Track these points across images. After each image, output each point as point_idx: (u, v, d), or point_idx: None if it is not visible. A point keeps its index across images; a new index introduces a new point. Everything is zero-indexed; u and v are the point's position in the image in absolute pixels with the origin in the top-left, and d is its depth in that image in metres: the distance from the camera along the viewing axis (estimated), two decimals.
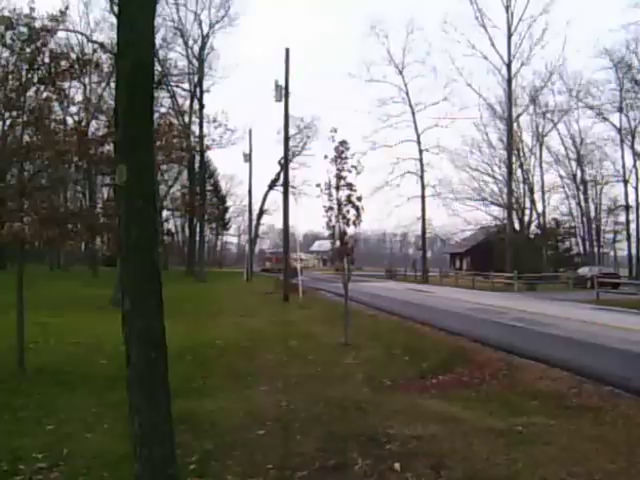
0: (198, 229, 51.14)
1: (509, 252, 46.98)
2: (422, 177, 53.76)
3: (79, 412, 7.39)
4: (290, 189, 60.56)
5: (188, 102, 45.40)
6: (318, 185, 13.56)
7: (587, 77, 69.85)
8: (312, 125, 60.87)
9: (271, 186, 65.03)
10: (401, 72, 53.39)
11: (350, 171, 13.37)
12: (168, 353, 11.72)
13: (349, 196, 13.35)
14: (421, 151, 53.52)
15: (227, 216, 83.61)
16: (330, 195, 13.43)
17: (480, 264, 52.51)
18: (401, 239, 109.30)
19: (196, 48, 47.42)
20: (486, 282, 41.96)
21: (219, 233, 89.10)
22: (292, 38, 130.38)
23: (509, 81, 47.74)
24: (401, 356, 11.95)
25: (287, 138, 28.93)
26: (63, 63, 8.52)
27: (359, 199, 13.41)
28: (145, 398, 2.50)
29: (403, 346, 12.75)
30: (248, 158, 45.85)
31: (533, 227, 57.08)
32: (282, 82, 27.32)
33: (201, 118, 39.41)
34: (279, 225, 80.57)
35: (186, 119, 41.92)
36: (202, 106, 42.97)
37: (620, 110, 52.55)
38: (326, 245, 40.75)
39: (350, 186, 13.33)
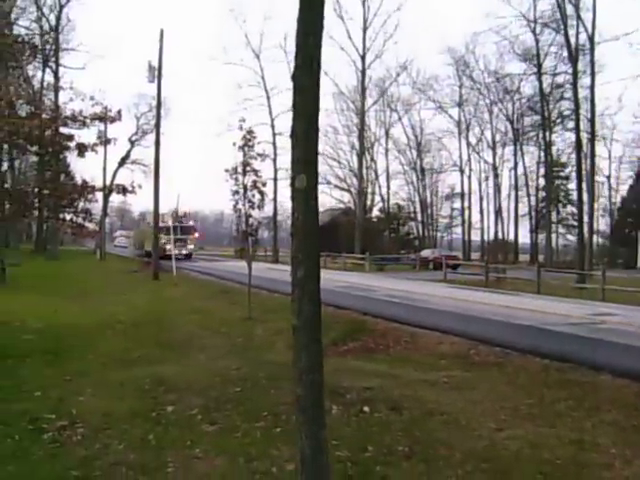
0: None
1: (358, 234, 49.74)
2: (275, 160, 55.09)
3: (52, 380, 7.83)
4: (142, 167, 59.63)
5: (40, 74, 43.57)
6: (227, 170, 14.40)
7: (430, 72, 75.41)
8: (164, 104, 60.03)
9: (121, 163, 63.52)
10: (258, 56, 54.12)
11: (256, 158, 14.35)
12: (87, 328, 12.23)
13: (255, 181, 14.33)
14: (275, 135, 54.81)
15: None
16: (237, 180, 14.32)
17: (326, 245, 54.83)
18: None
19: (52, 18, 45.55)
20: (336, 263, 44.04)
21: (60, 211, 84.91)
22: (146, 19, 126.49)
23: (363, 72, 50.27)
24: None
25: (159, 117, 29.05)
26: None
27: (264, 184, 14.46)
28: (309, 339, 3.49)
29: None
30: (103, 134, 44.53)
31: (375, 211, 61.02)
32: (155, 63, 27.47)
33: (56, 91, 37.75)
34: (117, 204, 79.01)
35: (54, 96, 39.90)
36: (57, 79, 41.33)
37: (459, 105, 57.46)
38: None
39: (256, 172, 14.31)
